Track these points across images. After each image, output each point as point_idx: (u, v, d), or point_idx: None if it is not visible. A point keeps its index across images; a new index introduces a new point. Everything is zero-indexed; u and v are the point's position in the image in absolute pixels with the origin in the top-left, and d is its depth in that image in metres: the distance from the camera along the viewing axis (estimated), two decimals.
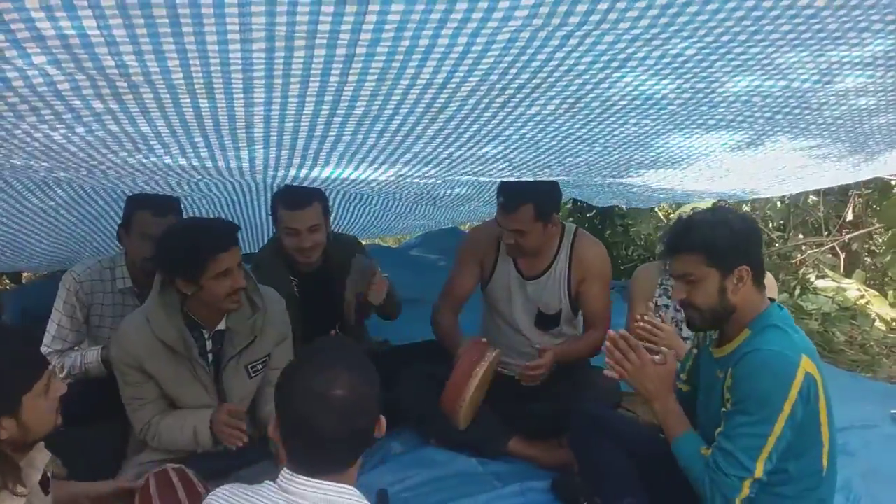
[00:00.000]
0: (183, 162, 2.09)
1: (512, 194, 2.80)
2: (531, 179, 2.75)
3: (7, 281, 5.26)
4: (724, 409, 2.03)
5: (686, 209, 2.69)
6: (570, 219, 6.49)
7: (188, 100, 1.57)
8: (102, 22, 1.20)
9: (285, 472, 1.48)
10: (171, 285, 2.39)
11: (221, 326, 2.48)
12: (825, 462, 2.05)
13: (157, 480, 2.03)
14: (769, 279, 2.71)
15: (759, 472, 1.94)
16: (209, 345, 2.49)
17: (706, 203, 2.74)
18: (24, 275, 5.44)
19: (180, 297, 2.40)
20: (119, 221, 2.89)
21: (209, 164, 2.11)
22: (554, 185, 2.90)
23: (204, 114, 1.67)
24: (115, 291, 2.86)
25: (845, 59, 1.68)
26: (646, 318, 2.61)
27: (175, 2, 1.16)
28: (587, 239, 3.09)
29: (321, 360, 1.54)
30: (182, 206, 2.96)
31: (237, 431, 2.31)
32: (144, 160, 2.06)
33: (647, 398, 2.18)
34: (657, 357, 2.20)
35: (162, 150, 1.95)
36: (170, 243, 2.35)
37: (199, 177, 2.41)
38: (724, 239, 2.02)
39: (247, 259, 4.80)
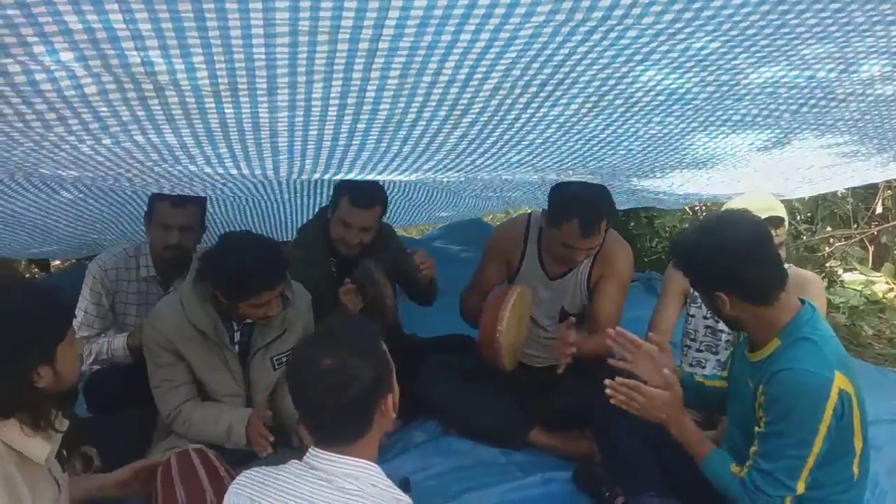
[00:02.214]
0: (208, 170, 2.11)
1: (590, 217, 2.68)
2: (554, 176, 2.70)
3: (35, 269, 5.34)
4: (758, 429, 2.01)
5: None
6: None
7: (213, 105, 1.58)
8: (128, 16, 1.22)
9: (312, 449, 1.55)
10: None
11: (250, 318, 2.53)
12: (856, 470, 2.02)
13: (179, 461, 2.05)
14: (813, 281, 2.65)
15: (801, 489, 1.94)
16: (237, 336, 2.54)
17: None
18: (53, 263, 5.53)
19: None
20: (145, 207, 2.93)
21: (234, 171, 2.13)
22: (606, 190, 2.83)
23: (229, 121, 1.68)
24: (140, 279, 2.92)
25: (871, 49, 1.65)
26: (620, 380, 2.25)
27: None
28: (615, 239, 3.04)
29: (322, 335, 1.64)
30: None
31: (265, 440, 2.36)
32: (171, 169, 2.08)
33: (663, 425, 2.18)
34: (660, 383, 2.17)
35: (187, 161, 1.97)
36: (221, 261, 2.34)
37: (223, 183, 2.42)
38: (697, 270, 2.04)
39: None
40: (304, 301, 2.67)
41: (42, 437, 1.65)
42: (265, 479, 1.56)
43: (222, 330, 2.46)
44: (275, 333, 2.54)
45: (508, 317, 2.65)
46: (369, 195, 2.92)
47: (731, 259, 1.98)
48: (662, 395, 2.14)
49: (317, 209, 3.97)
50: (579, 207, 2.69)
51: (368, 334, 1.64)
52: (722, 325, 2.82)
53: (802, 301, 2.07)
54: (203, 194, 2.83)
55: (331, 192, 3.10)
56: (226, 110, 1.61)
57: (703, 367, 2.90)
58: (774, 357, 2.00)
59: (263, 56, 1.38)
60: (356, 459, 1.53)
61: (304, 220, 4.21)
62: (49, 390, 1.67)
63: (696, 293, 2.88)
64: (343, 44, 1.36)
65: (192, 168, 2.07)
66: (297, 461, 1.56)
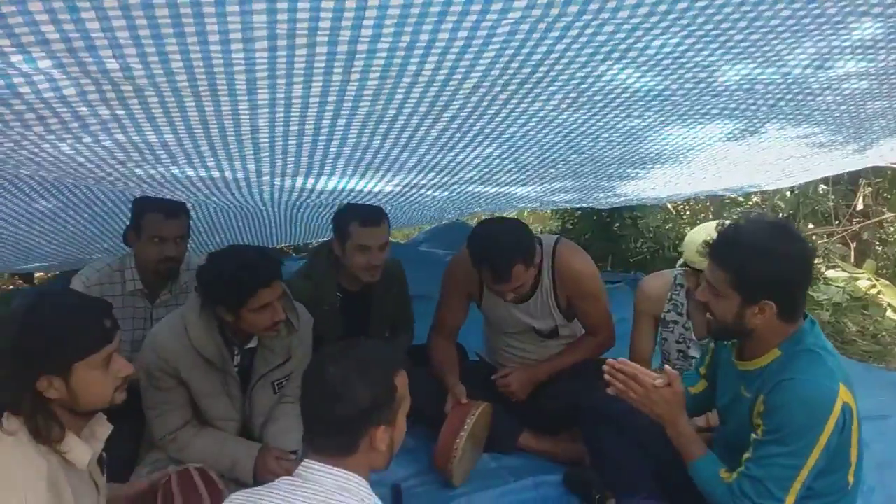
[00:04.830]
0: (190, 172, 2.09)
1: (498, 264, 2.66)
2: (538, 185, 2.68)
3: (21, 281, 5.31)
4: (754, 436, 1.97)
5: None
6: (578, 212, 6.48)
7: (192, 103, 1.58)
8: (105, 24, 1.21)
9: (305, 461, 1.55)
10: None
11: (252, 344, 2.52)
12: (851, 479, 2.01)
13: (179, 479, 2.04)
14: None
15: (790, 502, 1.89)
16: (237, 360, 2.53)
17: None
18: (37, 275, 5.49)
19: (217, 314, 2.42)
20: (127, 223, 2.90)
21: (216, 174, 2.12)
22: (521, 230, 2.79)
23: (209, 118, 1.68)
24: (126, 294, 2.89)
25: (846, 44, 1.67)
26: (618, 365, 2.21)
27: (177, 1, 1.17)
28: (567, 250, 2.98)
29: (345, 346, 1.65)
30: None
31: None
32: (152, 171, 2.06)
33: (659, 422, 2.13)
34: (658, 381, 2.11)
35: (168, 160, 1.96)
36: (211, 274, 2.35)
37: (207, 191, 2.41)
38: (759, 272, 1.90)
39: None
40: (307, 326, 2.66)
41: (84, 441, 1.65)
42: (257, 497, 1.54)
43: (227, 356, 2.46)
44: (278, 360, 2.55)
45: (462, 452, 2.62)
46: (376, 212, 2.92)
47: (795, 274, 1.93)
48: (662, 389, 2.09)
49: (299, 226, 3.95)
50: (487, 256, 2.69)
51: (386, 360, 1.63)
52: (693, 351, 2.83)
53: (805, 314, 2.04)
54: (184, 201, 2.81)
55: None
56: (206, 108, 1.60)
57: None
58: (776, 366, 1.97)
59: (242, 60, 1.38)
60: (347, 472, 1.52)
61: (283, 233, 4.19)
62: (64, 405, 1.63)
63: (669, 317, 2.90)
64: (322, 46, 1.36)
65: (175, 170, 2.05)
66: (287, 477, 1.56)
